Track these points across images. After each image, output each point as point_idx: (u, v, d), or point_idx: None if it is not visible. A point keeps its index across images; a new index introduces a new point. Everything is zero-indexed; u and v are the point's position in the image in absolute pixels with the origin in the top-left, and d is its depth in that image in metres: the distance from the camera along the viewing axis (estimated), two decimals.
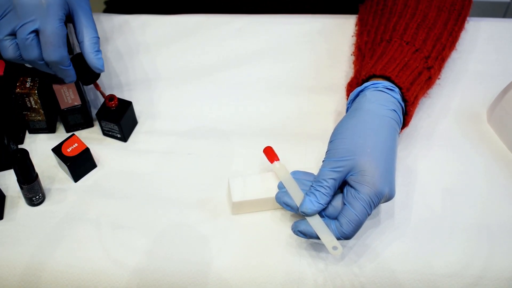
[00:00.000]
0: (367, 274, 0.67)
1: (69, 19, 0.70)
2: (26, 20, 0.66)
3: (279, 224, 0.71)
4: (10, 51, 0.68)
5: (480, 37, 0.91)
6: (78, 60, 0.72)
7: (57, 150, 0.75)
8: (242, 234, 0.71)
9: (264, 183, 0.70)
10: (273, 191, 0.69)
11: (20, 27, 0.66)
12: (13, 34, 0.68)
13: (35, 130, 0.81)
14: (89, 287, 0.68)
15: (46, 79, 0.76)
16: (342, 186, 0.66)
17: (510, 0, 1.43)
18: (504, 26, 0.93)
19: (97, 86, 0.77)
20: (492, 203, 0.73)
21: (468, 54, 0.89)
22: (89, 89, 0.85)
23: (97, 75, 0.76)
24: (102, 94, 0.78)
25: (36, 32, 0.67)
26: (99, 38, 0.72)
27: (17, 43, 0.68)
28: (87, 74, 0.74)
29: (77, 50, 0.79)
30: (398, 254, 0.68)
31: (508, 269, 0.67)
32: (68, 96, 0.77)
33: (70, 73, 0.71)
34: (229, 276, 0.68)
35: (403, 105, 0.71)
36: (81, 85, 0.78)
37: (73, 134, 0.76)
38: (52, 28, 0.66)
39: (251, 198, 0.70)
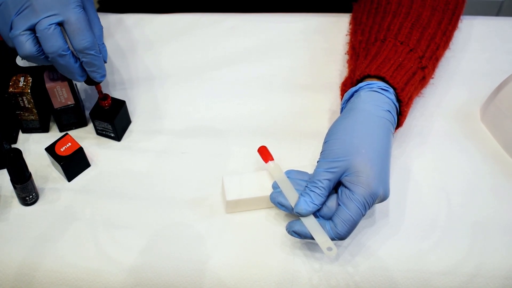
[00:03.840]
0: (361, 273, 0.67)
1: None
2: (46, 15, 0.64)
3: (274, 224, 0.71)
4: (27, 46, 0.65)
5: (474, 36, 0.91)
6: None
7: (50, 150, 0.74)
8: (237, 233, 0.71)
9: (258, 181, 0.70)
10: (268, 189, 0.69)
11: (40, 21, 0.64)
12: (30, 29, 0.65)
13: (28, 130, 0.80)
14: (84, 286, 0.68)
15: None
16: (337, 186, 0.66)
17: None
18: (497, 25, 0.93)
19: (98, 87, 0.76)
20: (485, 201, 0.73)
21: (461, 52, 0.89)
22: (82, 88, 0.85)
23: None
24: (100, 95, 0.77)
25: (60, 24, 0.65)
26: (103, 27, 0.72)
27: (34, 38, 0.65)
28: None
29: None
30: (393, 253, 0.69)
31: (502, 267, 0.68)
32: (61, 96, 0.77)
33: (100, 63, 0.69)
34: (224, 275, 0.68)
35: (397, 105, 0.71)
36: (74, 84, 0.77)
37: (67, 134, 0.76)
38: (76, 15, 0.65)
39: (246, 196, 0.70)
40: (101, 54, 0.70)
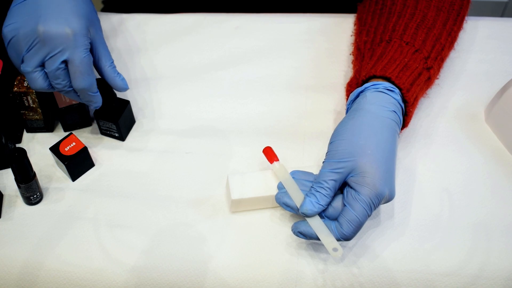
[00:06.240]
0: (366, 274, 0.67)
1: None
2: (54, 52, 0.67)
3: (279, 224, 0.71)
4: (39, 82, 0.69)
5: (478, 37, 0.91)
6: (99, 85, 0.73)
7: (55, 149, 0.74)
8: (240, 233, 0.71)
9: (263, 180, 0.70)
10: (273, 189, 0.69)
11: (49, 58, 0.67)
12: (41, 65, 0.68)
13: (32, 129, 0.80)
14: (87, 286, 0.68)
15: None
16: (342, 187, 0.66)
17: None
18: (501, 26, 0.93)
19: None
20: (490, 202, 0.73)
21: (466, 53, 0.89)
22: None
23: (114, 97, 0.77)
24: None
25: (65, 62, 0.68)
26: (113, 61, 0.73)
27: (45, 74, 0.69)
28: (107, 98, 0.75)
29: None
30: (397, 254, 0.68)
31: (505, 268, 0.68)
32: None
33: (97, 99, 0.72)
34: (227, 275, 0.68)
35: (403, 106, 0.71)
36: None
37: (71, 133, 0.76)
38: (80, 57, 0.68)
39: (250, 195, 0.69)
40: (98, 92, 0.72)
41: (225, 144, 0.79)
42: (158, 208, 0.73)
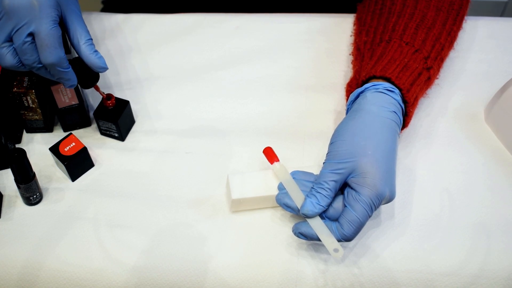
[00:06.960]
0: (366, 274, 0.67)
1: (61, 23, 0.69)
2: (20, 24, 0.65)
3: (279, 224, 0.71)
4: (8, 59, 0.67)
5: (478, 36, 0.91)
6: (76, 64, 0.70)
7: (54, 150, 0.74)
8: (240, 233, 0.71)
9: (264, 180, 0.70)
10: (273, 189, 0.69)
11: (16, 31, 0.65)
12: (9, 40, 0.67)
13: (32, 130, 0.80)
14: (87, 286, 0.68)
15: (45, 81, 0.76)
16: (343, 187, 0.66)
17: None
18: (501, 25, 0.93)
19: (97, 88, 0.76)
20: (490, 202, 0.73)
21: (466, 53, 0.89)
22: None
23: (97, 78, 0.74)
24: (102, 94, 0.77)
25: (32, 35, 0.66)
26: (92, 39, 0.71)
27: (14, 50, 0.67)
28: (87, 78, 0.72)
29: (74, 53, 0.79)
30: (397, 254, 0.68)
31: (506, 268, 0.68)
32: (65, 96, 0.77)
33: (69, 76, 0.69)
34: (227, 275, 0.68)
35: (403, 106, 0.71)
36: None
37: (71, 133, 0.76)
38: (46, 29, 0.65)
39: (251, 195, 0.69)
40: (69, 69, 0.69)
41: (225, 144, 0.79)
42: (158, 208, 0.73)
